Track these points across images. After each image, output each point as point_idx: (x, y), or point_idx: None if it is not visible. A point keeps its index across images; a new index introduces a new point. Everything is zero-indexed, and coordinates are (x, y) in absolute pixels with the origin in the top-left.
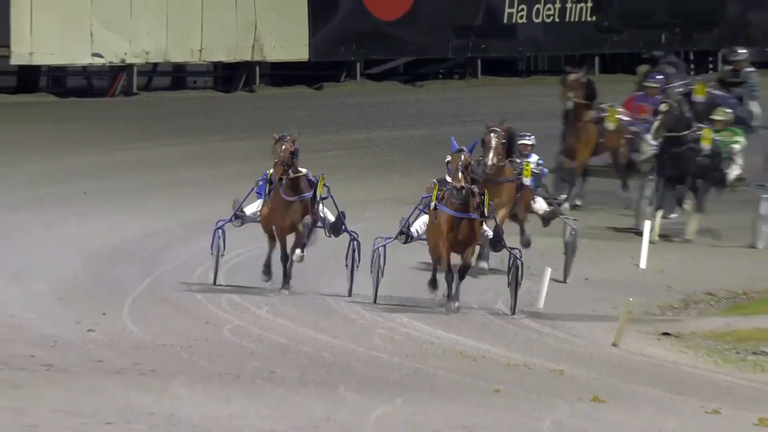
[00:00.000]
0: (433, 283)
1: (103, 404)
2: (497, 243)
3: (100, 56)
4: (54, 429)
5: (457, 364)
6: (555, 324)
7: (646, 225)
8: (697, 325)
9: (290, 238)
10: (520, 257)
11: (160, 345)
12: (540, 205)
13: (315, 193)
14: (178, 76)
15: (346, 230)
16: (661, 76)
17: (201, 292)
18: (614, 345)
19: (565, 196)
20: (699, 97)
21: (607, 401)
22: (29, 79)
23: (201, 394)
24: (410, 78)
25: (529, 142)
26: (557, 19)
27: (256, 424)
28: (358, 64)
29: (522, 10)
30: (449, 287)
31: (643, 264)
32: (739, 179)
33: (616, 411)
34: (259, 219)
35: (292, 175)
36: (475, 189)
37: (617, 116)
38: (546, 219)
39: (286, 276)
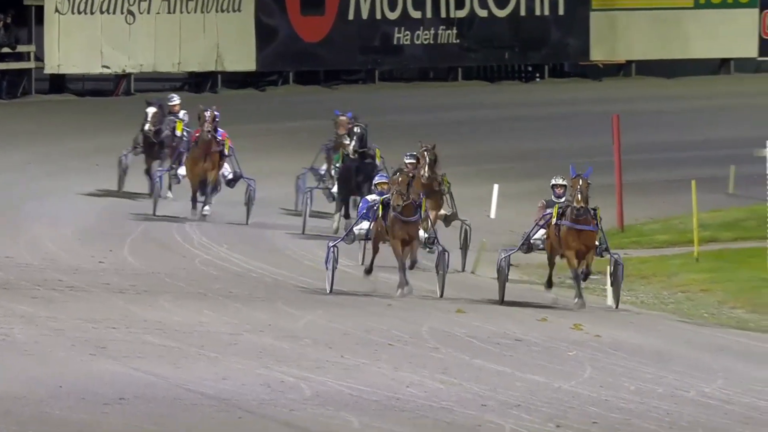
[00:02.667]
0: (549, 285)
1: (110, 314)
2: (602, 250)
3: (108, 67)
4: (75, 331)
5: (362, 286)
6: (434, 259)
7: (494, 194)
8: (531, 258)
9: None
10: (620, 260)
11: (151, 272)
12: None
13: (420, 214)
14: (163, 81)
15: (438, 243)
16: (217, 113)
17: (179, 234)
18: (473, 272)
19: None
20: (179, 132)
21: (468, 312)
22: (58, 83)
23: (180, 307)
24: (328, 83)
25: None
26: (432, 42)
27: (219, 329)
28: (291, 74)
29: (407, 35)
30: (577, 286)
31: (492, 215)
32: None
33: (474, 319)
34: (361, 238)
35: (406, 201)
36: (590, 207)
37: (230, 145)
38: (449, 220)
39: (403, 281)
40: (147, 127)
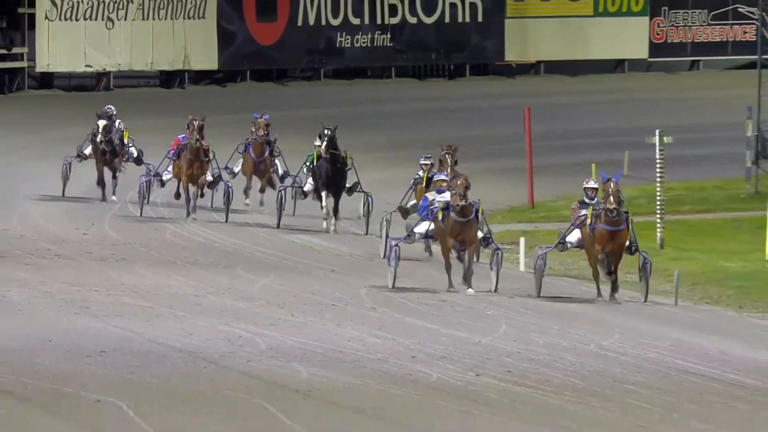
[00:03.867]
0: (599, 291)
1: (92, 279)
2: (633, 250)
3: (90, 66)
4: (62, 293)
5: (309, 255)
6: (372, 232)
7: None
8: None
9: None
10: (648, 258)
11: (128, 243)
12: None
13: (477, 216)
14: (138, 78)
15: (492, 242)
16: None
17: (152, 209)
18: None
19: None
20: (126, 140)
21: (401, 278)
22: (47, 80)
23: (153, 273)
24: (280, 80)
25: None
26: (369, 44)
27: (186, 291)
28: (248, 72)
29: (348, 39)
30: (613, 284)
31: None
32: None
33: (406, 283)
34: (419, 239)
35: (463, 203)
36: (622, 208)
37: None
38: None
39: (466, 279)
40: (99, 138)
